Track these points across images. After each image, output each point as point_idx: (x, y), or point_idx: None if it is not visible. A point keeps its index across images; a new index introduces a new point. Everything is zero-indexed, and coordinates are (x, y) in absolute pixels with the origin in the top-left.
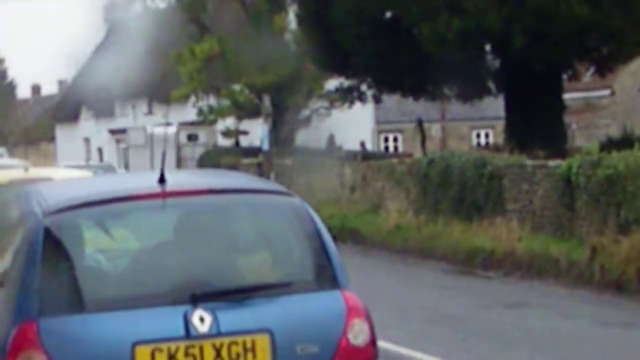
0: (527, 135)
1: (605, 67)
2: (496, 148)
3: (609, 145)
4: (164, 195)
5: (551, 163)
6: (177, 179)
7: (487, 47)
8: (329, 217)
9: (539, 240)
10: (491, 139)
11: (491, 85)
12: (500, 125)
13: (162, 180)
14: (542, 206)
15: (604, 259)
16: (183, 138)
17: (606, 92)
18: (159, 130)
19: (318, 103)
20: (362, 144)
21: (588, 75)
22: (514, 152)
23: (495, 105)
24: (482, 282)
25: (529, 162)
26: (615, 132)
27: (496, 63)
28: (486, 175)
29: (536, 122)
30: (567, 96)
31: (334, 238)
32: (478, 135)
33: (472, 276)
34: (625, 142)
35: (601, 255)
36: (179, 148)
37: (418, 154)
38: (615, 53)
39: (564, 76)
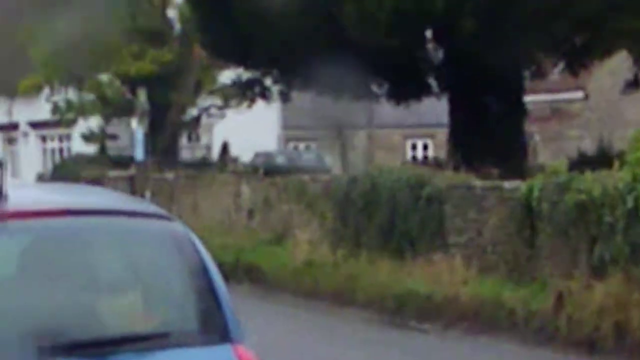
0: (476, 148)
1: (577, 63)
2: (437, 163)
3: (581, 162)
4: (4, 216)
5: (507, 184)
6: (22, 196)
7: (428, 34)
8: (220, 248)
9: (490, 283)
10: (430, 152)
11: (432, 82)
12: (443, 134)
13: (0, 196)
14: (495, 240)
15: (572, 309)
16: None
17: (578, 94)
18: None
19: (209, 100)
20: (224, 146)
21: (556, 73)
22: (460, 170)
23: (436, 109)
24: (416, 337)
25: (478, 182)
26: (589, 146)
27: (439, 54)
28: (423, 199)
29: (489, 132)
30: (529, 99)
31: (226, 276)
32: (414, 147)
33: (404, 329)
34: (601, 159)
35: (569, 305)
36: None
37: (337, 169)
38: (590, 45)
39: (526, 73)
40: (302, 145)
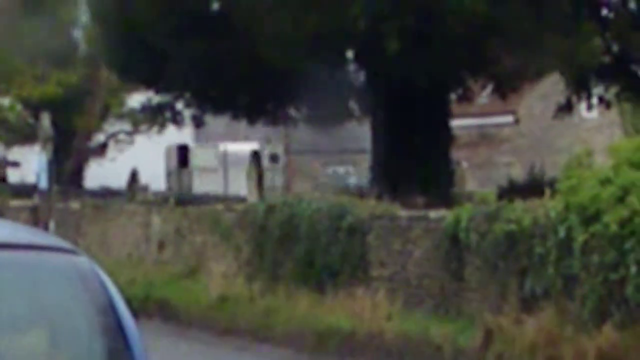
0: (400, 175)
1: (507, 86)
2: (359, 192)
3: (511, 191)
4: None
5: (433, 214)
6: None
7: (350, 54)
8: (129, 283)
9: (415, 319)
10: (352, 180)
11: (354, 106)
12: (365, 160)
13: None
14: (420, 273)
15: (502, 345)
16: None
17: (508, 119)
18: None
19: (117, 125)
20: (133, 174)
21: (485, 96)
22: (383, 199)
23: (358, 134)
24: None
25: (402, 212)
26: (519, 173)
27: (361, 76)
28: (344, 230)
29: (413, 158)
30: (456, 123)
31: (135, 313)
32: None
33: None
34: (532, 187)
35: (498, 341)
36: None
37: (253, 197)
38: (521, 67)
39: (453, 96)
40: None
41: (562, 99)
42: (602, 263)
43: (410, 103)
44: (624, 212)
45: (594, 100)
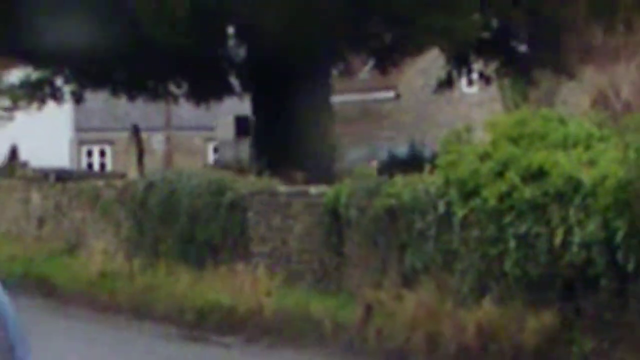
0: (281, 151)
1: (388, 61)
2: (240, 168)
3: (392, 166)
4: None
5: (313, 190)
6: None
7: (230, 30)
8: (8, 259)
9: (296, 294)
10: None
11: (234, 82)
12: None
13: None
14: (300, 249)
15: (382, 320)
16: None
17: (389, 94)
18: None
19: None
20: (12, 150)
21: (366, 72)
22: (263, 174)
23: (239, 110)
24: (217, 351)
25: (282, 188)
26: (400, 148)
27: (241, 52)
28: (225, 206)
29: (294, 134)
30: (337, 99)
31: (13, 290)
32: (216, 150)
33: (204, 343)
34: (413, 162)
35: (378, 316)
36: None
37: (133, 174)
38: (401, 43)
39: (334, 72)
40: (96, 149)
41: (442, 75)
42: (481, 238)
43: (290, 79)
44: (502, 187)
45: (474, 76)
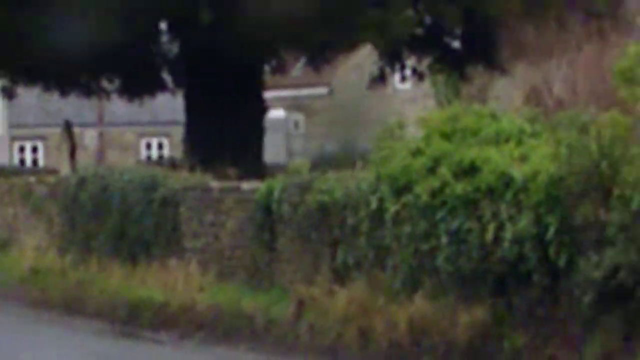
0: (214, 147)
1: (321, 58)
2: (172, 164)
3: (325, 162)
4: None
5: (245, 186)
6: None
7: (163, 25)
8: None
9: (228, 290)
10: (166, 151)
11: (167, 77)
12: (179, 132)
13: None
14: (233, 245)
15: (314, 316)
16: None
17: (322, 90)
18: None
19: None
20: None
21: (299, 68)
22: (196, 170)
23: (172, 106)
24: (149, 348)
25: (215, 184)
26: (334, 143)
27: (174, 47)
28: (157, 202)
29: (227, 130)
30: (270, 95)
31: None
32: (149, 146)
33: (137, 339)
34: (346, 158)
35: (311, 312)
36: None
37: (66, 170)
38: (334, 39)
39: (267, 68)
40: (28, 145)
41: (375, 71)
42: (413, 233)
43: (223, 74)
44: (434, 183)
45: (407, 72)
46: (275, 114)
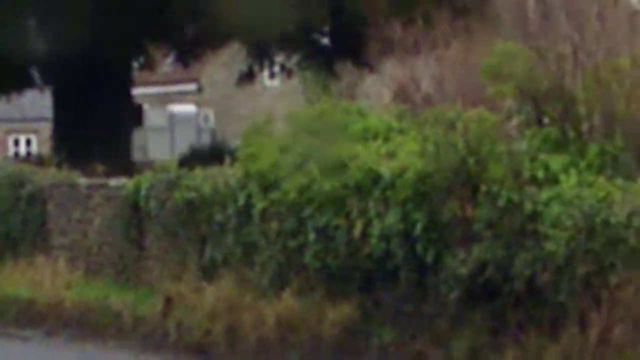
0: (82, 143)
1: (190, 54)
2: (40, 160)
3: (193, 158)
4: None
5: (113, 182)
6: None
7: (31, 21)
8: None
9: (96, 287)
10: (35, 148)
11: (35, 74)
12: (47, 129)
13: None
14: (101, 241)
15: (182, 313)
16: None
17: (191, 87)
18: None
19: None
20: None
21: (167, 64)
22: (64, 167)
23: (41, 103)
24: (15, 345)
25: (83, 180)
26: (205, 140)
27: (42, 44)
28: (24, 198)
29: (95, 126)
30: (138, 91)
31: None
32: (17, 142)
33: (3, 336)
34: (214, 154)
35: (178, 309)
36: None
37: None
38: (203, 35)
39: (135, 64)
40: None
41: (244, 68)
42: (281, 230)
43: (91, 71)
44: (302, 180)
45: (276, 69)
46: (186, 108)
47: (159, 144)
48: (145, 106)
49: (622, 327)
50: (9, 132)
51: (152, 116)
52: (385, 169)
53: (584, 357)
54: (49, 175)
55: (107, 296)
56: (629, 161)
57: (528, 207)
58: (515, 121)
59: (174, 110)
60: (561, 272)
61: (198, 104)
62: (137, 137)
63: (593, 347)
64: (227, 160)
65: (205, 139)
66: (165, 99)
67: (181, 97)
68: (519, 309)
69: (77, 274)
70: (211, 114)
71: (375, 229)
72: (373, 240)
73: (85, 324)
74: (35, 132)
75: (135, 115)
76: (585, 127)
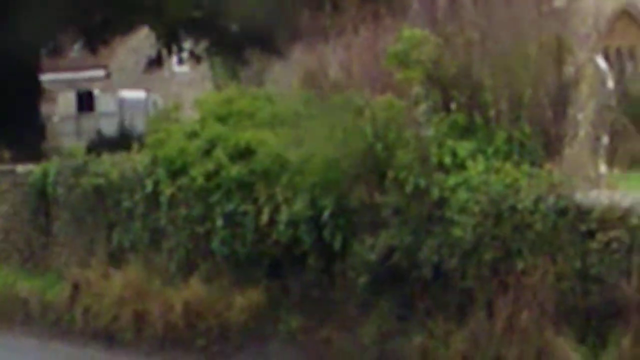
0: None
1: (98, 40)
2: None
3: (101, 145)
4: None
5: (20, 168)
6: None
7: None
8: None
9: (3, 274)
10: None
11: None
12: None
13: None
14: (8, 228)
15: (89, 299)
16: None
17: (100, 73)
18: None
19: None
20: None
21: (76, 50)
22: None
23: None
24: None
25: None
26: (113, 127)
27: None
28: None
29: (2, 112)
30: (47, 77)
31: None
32: None
33: None
34: (122, 141)
35: (86, 295)
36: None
37: None
38: (111, 21)
39: (43, 50)
40: None
41: (153, 53)
42: (189, 216)
43: None
44: (210, 166)
45: (185, 54)
46: (137, 94)
47: (111, 129)
48: (96, 92)
49: (528, 312)
50: None
51: (103, 102)
52: (293, 155)
53: (490, 342)
54: None
55: (14, 283)
56: (535, 147)
57: (435, 193)
58: (422, 107)
59: (124, 95)
60: (468, 258)
61: (104, 90)
62: (89, 122)
63: (500, 332)
64: (136, 146)
65: None
66: (75, 85)
67: (89, 83)
68: (426, 295)
69: None
70: (159, 100)
71: (283, 215)
72: (281, 227)
73: None
74: None
75: (39, 101)
76: (492, 113)
